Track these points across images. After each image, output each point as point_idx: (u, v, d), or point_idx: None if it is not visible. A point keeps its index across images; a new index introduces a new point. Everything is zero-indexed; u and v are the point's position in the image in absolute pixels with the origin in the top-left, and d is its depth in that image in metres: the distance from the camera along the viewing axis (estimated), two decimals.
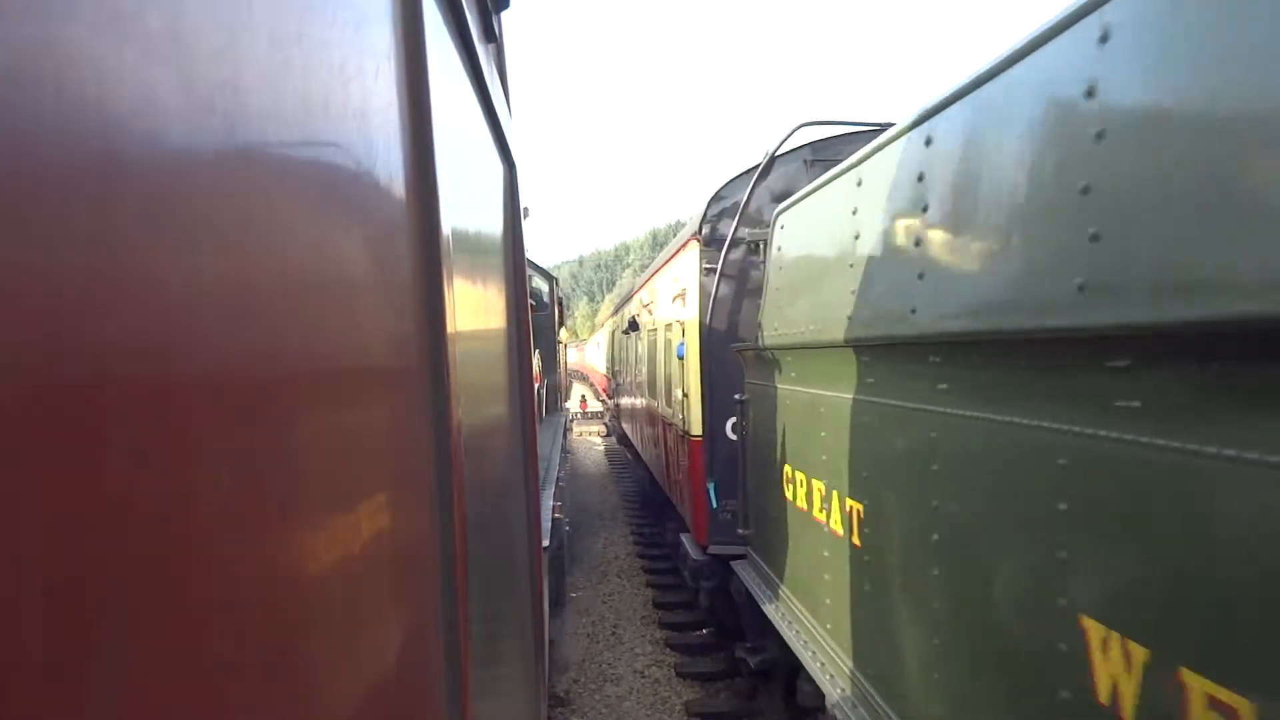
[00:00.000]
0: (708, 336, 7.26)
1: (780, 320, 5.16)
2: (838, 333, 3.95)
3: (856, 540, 3.92)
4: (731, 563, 6.77)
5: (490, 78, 1.95)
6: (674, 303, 8.58)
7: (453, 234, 1.19)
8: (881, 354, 3.58)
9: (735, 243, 7.13)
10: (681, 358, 7.98)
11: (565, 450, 14.83)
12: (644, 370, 12.78)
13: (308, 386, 0.65)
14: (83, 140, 0.37)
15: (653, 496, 13.37)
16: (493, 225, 2.13)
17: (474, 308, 1.59)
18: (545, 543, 4.17)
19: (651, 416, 11.78)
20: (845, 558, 4.07)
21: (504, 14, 2.50)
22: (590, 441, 27.26)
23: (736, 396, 6.23)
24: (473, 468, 1.33)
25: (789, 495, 5.13)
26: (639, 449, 14.72)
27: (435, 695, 1.01)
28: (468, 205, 1.56)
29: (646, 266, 15.30)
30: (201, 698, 0.45)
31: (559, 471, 9.52)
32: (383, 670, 0.81)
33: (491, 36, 2.16)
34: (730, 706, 6.97)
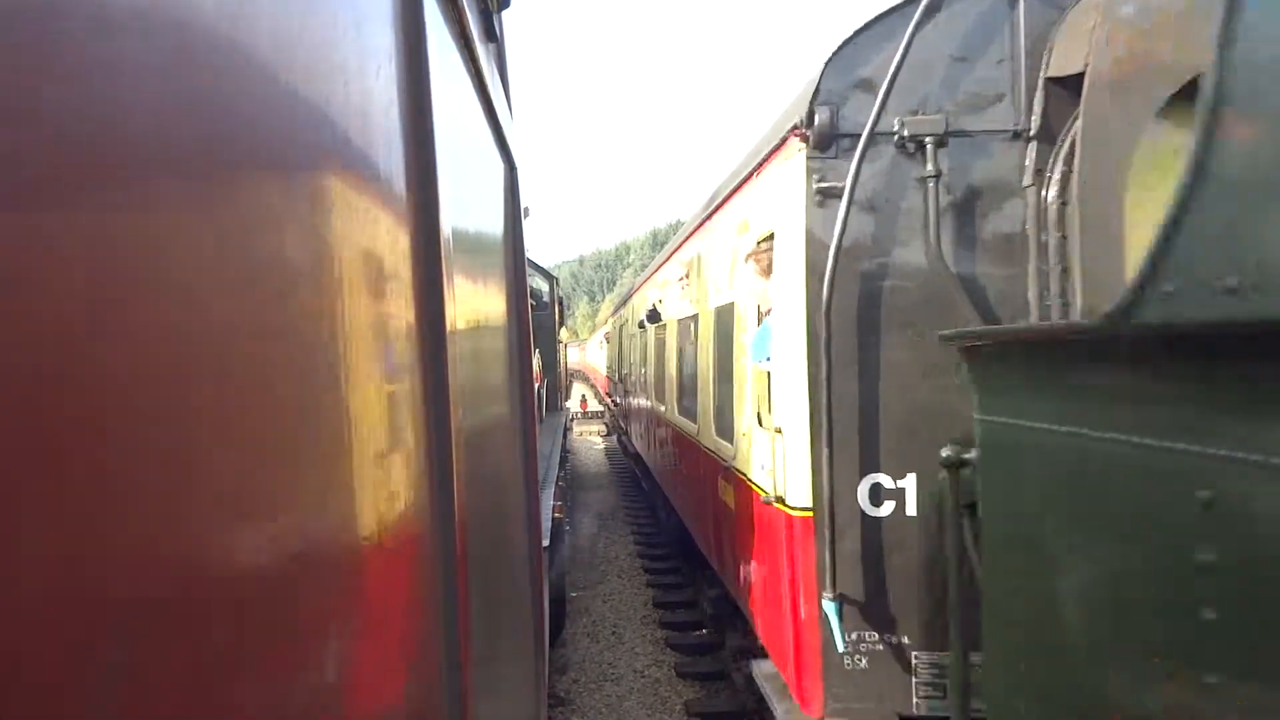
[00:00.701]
0: (823, 323, 3.70)
1: None
2: None
3: None
4: None
5: (491, 77, 1.95)
6: (746, 264, 4.91)
7: (453, 234, 1.19)
8: None
9: (877, 139, 3.71)
10: (765, 363, 4.55)
11: (565, 450, 14.81)
12: (674, 382, 8.66)
13: (307, 386, 0.65)
14: (83, 139, 0.37)
15: (683, 541, 8.91)
16: (493, 225, 2.13)
17: (474, 307, 1.59)
18: (545, 542, 4.17)
19: (689, 454, 7.48)
20: None
21: (504, 14, 2.49)
22: (590, 441, 27.26)
23: (946, 453, 3.07)
24: (472, 468, 1.33)
25: None
26: (665, 491, 10.09)
27: (435, 695, 1.01)
28: (468, 205, 1.56)
29: (646, 266, 14.19)
30: (202, 698, 0.45)
31: (559, 472, 9.50)
32: (384, 670, 0.81)
33: (492, 36, 2.16)
34: (730, 706, 6.96)
